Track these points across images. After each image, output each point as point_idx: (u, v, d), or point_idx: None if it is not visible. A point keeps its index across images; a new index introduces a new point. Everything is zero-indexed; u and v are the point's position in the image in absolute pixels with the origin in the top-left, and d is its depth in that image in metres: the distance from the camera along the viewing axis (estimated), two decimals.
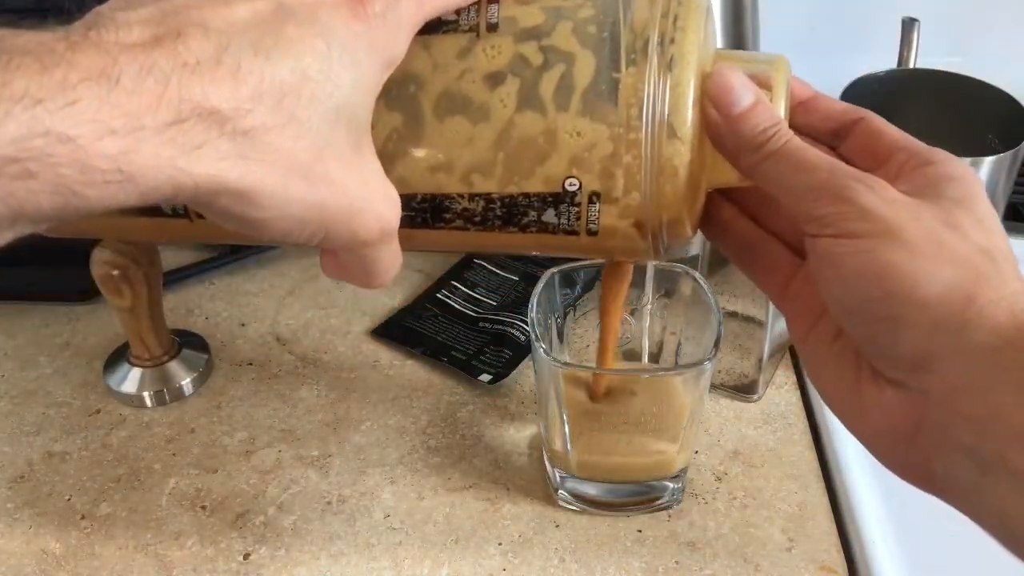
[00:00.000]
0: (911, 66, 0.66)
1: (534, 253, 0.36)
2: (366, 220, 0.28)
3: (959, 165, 0.30)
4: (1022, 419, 0.25)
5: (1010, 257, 0.28)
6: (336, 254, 0.30)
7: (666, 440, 0.47)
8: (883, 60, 0.64)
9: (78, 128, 0.22)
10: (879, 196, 0.28)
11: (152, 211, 0.35)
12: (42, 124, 0.21)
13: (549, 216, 0.32)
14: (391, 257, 0.30)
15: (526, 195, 0.32)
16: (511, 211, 0.32)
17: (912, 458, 0.29)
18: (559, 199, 0.32)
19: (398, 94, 0.32)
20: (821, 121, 0.34)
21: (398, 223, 0.30)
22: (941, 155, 0.30)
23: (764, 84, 0.32)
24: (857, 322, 0.29)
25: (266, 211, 0.26)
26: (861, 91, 0.60)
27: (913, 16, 0.65)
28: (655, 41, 0.30)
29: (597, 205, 0.32)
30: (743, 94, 0.31)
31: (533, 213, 0.32)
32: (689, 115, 0.31)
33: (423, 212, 0.33)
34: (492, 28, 0.32)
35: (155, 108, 0.23)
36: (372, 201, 0.28)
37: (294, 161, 0.25)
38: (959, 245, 0.27)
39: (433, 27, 0.31)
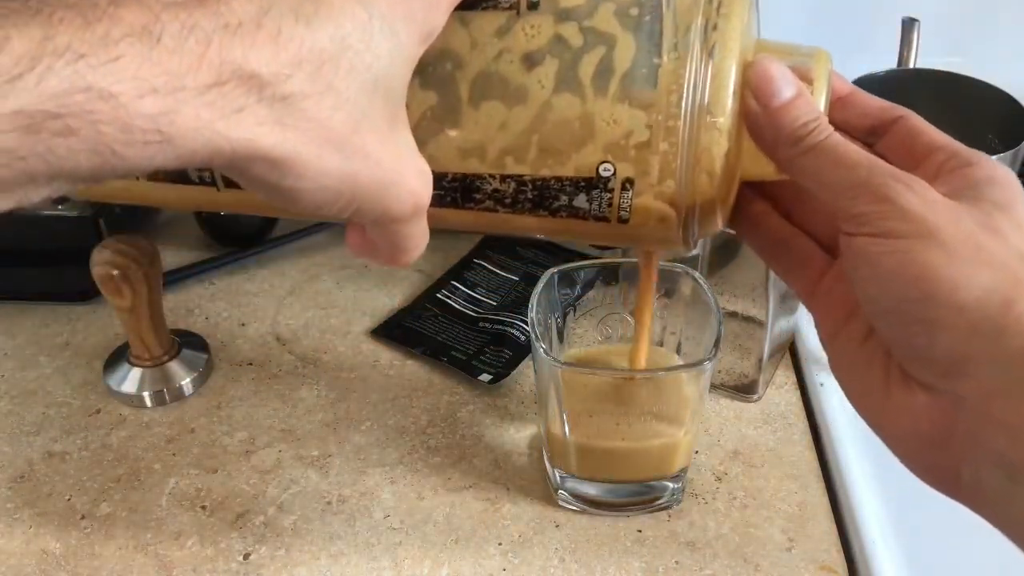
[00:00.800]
0: (911, 66, 0.66)
1: (563, 239, 0.35)
2: (399, 195, 0.28)
3: (1000, 168, 0.29)
4: None
5: None
6: (363, 230, 0.30)
7: (666, 439, 0.47)
8: (883, 60, 0.64)
9: (120, 85, 0.21)
10: (919, 196, 0.27)
11: (179, 177, 0.35)
12: (84, 79, 0.21)
13: (580, 201, 0.32)
14: (420, 234, 0.30)
15: (558, 179, 0.32)
16: (542, 194, 0.32)
17: (939, 462, 0.28)
18: (592, 184, 0.31)
19: (434, 72, 0.31)
20: (858, 117, 0.33)
21: (429, 200, 0.29)
22: (982, 157, 0.29)
23: (804, 77, 0.31)
24: (893, 323, 0.28)
25: (300, 181, 0.25)
26: None
27: (913, 16, 0.65)
28: (698, 27, 0.30)
29: (630, 192, 0.31)
30: (784, 86, 0.30)
31: (564, 197, 0.32)
32: (729, 103, 0.30)
33: (453, 191, 0.33)
34: (532, 7, 0.31)
35: (196, 69, 0.22)
36: (406, 176, 0.28)
37: (331, 132, 0.25)
38: (998, 249, 0.27)
39: (472, 3, 0.31)
